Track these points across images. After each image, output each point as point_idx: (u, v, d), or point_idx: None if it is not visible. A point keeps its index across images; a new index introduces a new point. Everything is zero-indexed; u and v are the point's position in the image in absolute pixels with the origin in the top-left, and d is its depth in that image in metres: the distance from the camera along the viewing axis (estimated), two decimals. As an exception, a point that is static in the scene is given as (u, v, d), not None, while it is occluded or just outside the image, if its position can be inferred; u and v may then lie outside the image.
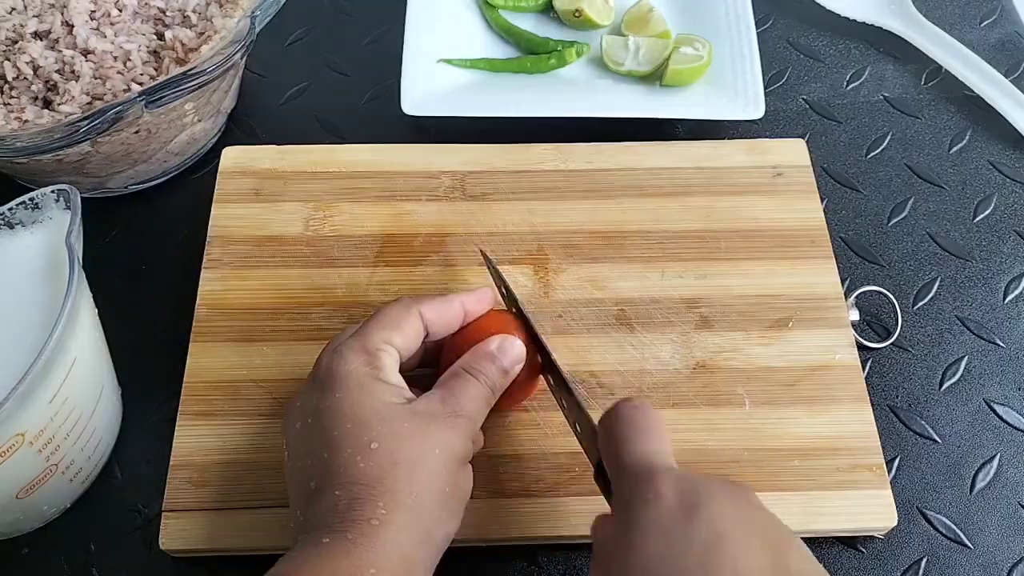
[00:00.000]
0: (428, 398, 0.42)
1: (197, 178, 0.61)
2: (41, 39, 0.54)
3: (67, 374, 0.42)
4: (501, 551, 0.47)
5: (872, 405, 0.50)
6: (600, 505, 0.47)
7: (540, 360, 0.46)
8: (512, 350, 0.44)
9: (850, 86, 0.67)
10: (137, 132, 0.53)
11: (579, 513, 0.47)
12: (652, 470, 0.36)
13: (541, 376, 0.47)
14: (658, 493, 0.35)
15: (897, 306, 0.56)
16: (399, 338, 0.43)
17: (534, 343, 0.46)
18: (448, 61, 0.65)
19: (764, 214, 0.57)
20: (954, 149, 0.64)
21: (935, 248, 0.59)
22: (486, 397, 0.43)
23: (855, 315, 0.54)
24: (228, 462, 0.48)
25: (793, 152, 0.60)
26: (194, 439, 0.48)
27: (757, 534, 0.34)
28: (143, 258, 0.58)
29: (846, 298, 0.54)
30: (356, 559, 0.36)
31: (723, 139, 0.61)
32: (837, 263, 0.55)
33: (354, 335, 0.43)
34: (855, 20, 0.70)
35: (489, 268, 0.51)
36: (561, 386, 0.45)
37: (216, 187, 0.57)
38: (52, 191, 0.45)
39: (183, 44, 0.55)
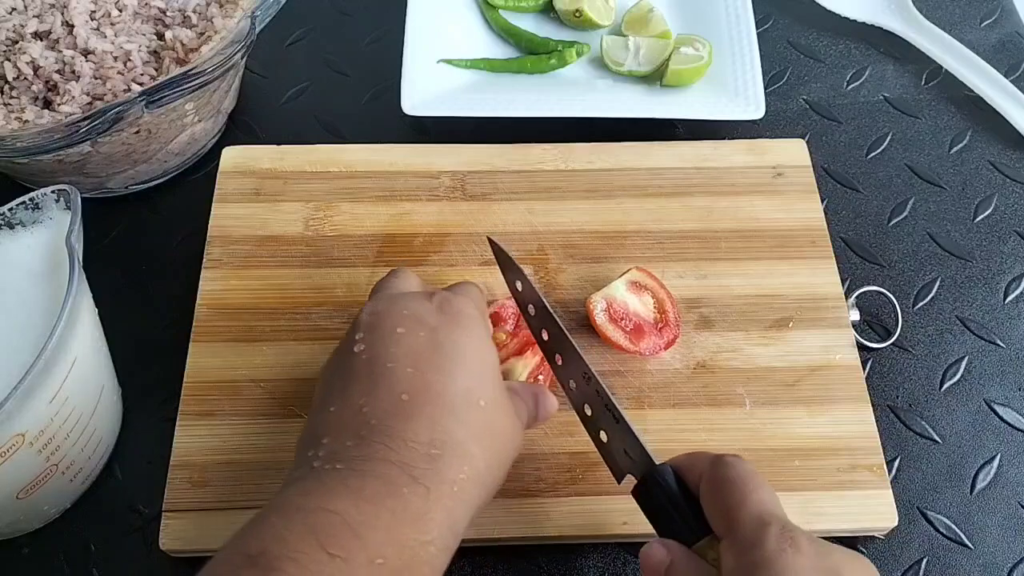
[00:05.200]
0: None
1: (197, 178, 0.61)
2: (41, 39, 0.54)
3: (67, 374, 0.42)
4: (501, 551, 0.47)
5: (872, 405, 0.50)
6: (596, 504, 0.47)
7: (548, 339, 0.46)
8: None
9: (850, 86, 0.67)
10: (137, 132, 0.53)
11: (579, 513, 0.47)
12: (776, 518, 0.37)
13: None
14: (797, 545, 0.36)
15: (897, 306, 0.56)
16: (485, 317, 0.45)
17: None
18: (448, 61, 0.65)
19: (764, 214, 0.57)
20: (954, 149, 0.64)
21: (935, 248, 0.59)
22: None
23: (855, 315, 0.54)
24: (228, 462, 0.48)
25: (793, 152, 0.60)
26: (194, 439, 0.48)
27: None
28: (143, 258, 0.58)
29: (846, 298, 0.54)
30: (425, 512, 0.35)
31: (723, 139, 0.61)
32: (837, 263, 0.55)
33: (461, 288, 0.45)
34: (855, 20, 0.70)
35: (500, 258, 0.49)
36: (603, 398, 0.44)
37: (216, 187, 0.57)
38: (52, 191, 0.45)
39: (183, 44, 0.55)
